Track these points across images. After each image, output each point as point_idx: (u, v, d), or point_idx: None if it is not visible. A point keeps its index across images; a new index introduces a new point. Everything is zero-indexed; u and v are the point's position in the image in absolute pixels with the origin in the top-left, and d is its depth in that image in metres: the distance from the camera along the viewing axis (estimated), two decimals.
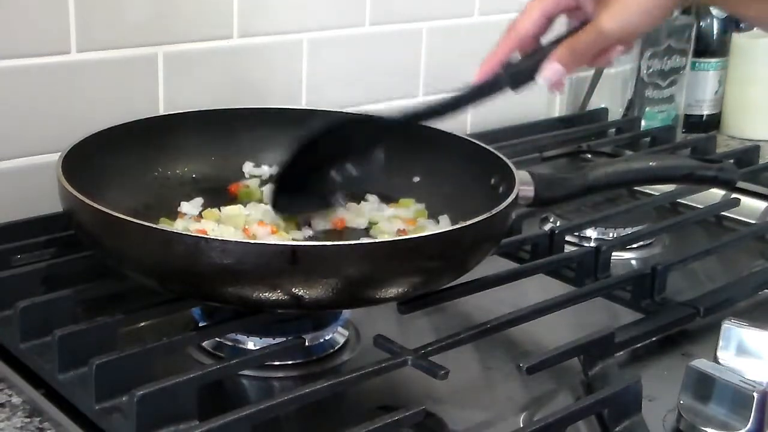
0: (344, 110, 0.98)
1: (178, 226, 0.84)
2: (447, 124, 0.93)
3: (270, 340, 0.75)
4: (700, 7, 1.45)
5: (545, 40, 0.77)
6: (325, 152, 0.82)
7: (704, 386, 0.66)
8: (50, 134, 0.96)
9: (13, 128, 0.96)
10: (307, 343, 0.75)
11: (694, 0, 0.73)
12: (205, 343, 0.77)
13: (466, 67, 1.37)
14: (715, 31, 1.46)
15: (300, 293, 0.67)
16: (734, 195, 1.10)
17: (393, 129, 0.83)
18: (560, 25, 0.78)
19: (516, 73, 0.77)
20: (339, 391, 0.68)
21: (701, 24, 1.44)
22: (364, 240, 0.84)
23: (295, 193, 0.83)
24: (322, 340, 0.77)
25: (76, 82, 0.99)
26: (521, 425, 0.69)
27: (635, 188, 1.16)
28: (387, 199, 0.92)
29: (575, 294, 0.84)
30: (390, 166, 0.93)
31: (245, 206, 0.89)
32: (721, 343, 0.72)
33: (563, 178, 0.82)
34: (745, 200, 1.11)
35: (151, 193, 0.89)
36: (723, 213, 1.12)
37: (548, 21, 0.77)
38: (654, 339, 0.82)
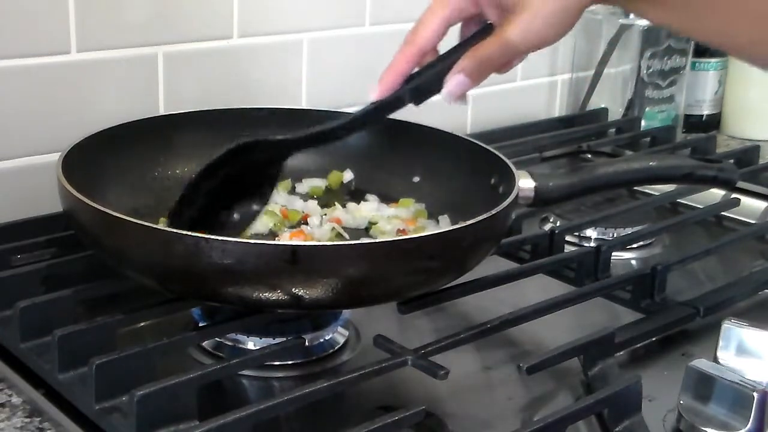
0: (344, 110, 0.98)
1: None
2: (447, 124, 0.93)
3: (270, 340, 0.75)
4: None
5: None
6: (215, 186, 0.78)
7: (704, 386, 0.66)
8: (50, 134, 0.96)
9: (13, 128, 0.96)
10: (307, 343, 0.75)
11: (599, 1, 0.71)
12: (205, 343, 0.77)
13: None
14: None
15: (300, 293, 0.66)
16: (734, 195, 1.10)
17: (290, 148, 0.80)
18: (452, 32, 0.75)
19: (418, 88, 0.74)
20: (339, 391, 0.68)
21: None
22: (364, 240, 0.84)
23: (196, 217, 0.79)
24: (322, 340, 0.77)
25: (76, 82, 0.99)
26: (521, 425, 0.68)
27: (635, 188, 1.16)
28: (387, 199, 0.92)
29: (575, 294, 0.84)
30: (390, 166, 0.94)
31: None
32: (721, 343, 0.72)
33: (563, 178, 0.82)
34: (745, 200, 1.11)
35: (151, 193, 0.89)
36: (723, 213, 1.12)
37: (447, 29, 0.74)
38: (654, 339, 0.82)
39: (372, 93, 0.75)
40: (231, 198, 0.80)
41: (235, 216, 0.80)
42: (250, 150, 0.78)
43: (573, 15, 0.70)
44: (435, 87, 0.73)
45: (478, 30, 0.73)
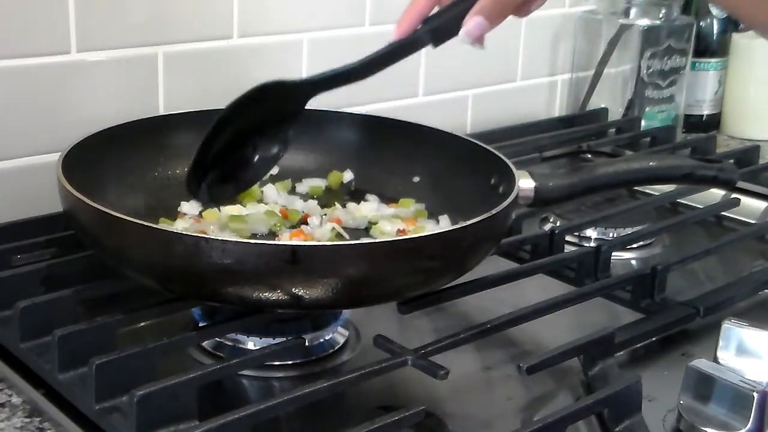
0: (344, 110, 0.98)
1: (178, 226, 0.84)
2: (447, 124, 0.93)
3: (270, 340, 0.75)
4: (700, 7, 1.45)
5: None
6: (238, 129, 0.79)
7: (704, 386, 0.66)
8: (50, 134, 0.96)
9: (13, 128, 0.96)
10: (307, 343, 0.75)
11: None
12: (205, 343, 0.77)
13: (466, 67, 1.37)
14: (715, 31, 1.46)
15: (300, 293, 0.66)
16: (734, 195, 1.10)
17: (306, 93, 0.79)
18: None
19: (437, 28, 0.73)
20: (339, 391, 0.68)
21: (701, 24, 1.45)
22: (364, 240, 0.84)
23: (216, 180, 0.80)
24: (322, 340, 0.78)
25: (76, 82, 0.99)
26: (521, 425, 0.68)
27: (635, 188, 1.16)
28: (387, 199, 0.92)
29: (575, 294, 0.84)
30: (390, 166, 0.94)
31: (245, 206, 0.89)
32: (721, 343, 0.72)
33: (563, 178, 0.82)
34: (745, 200, 1.11)
35: (151, 193, 0.89)
36: (723, 213, 1.12)
37: None
38: (654, 339, 0.82)
39: (393, 34, 0.75)
40: (254, 139, 0.80)
41: (257, 157, 0.79)
42: (270, 92, 0.78)
43: None
44: (454, 28, 0.72)
45: None
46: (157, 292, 0.74)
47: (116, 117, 0.89)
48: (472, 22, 0.71)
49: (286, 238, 0.84)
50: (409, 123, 0.94)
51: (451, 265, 0.73)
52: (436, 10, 0.75)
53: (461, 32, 0.72)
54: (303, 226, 0.87)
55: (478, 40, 0.72)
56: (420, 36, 0.73)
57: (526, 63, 1.39)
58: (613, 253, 0.93)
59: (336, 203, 0.91)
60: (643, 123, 1.39)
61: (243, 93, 0.78)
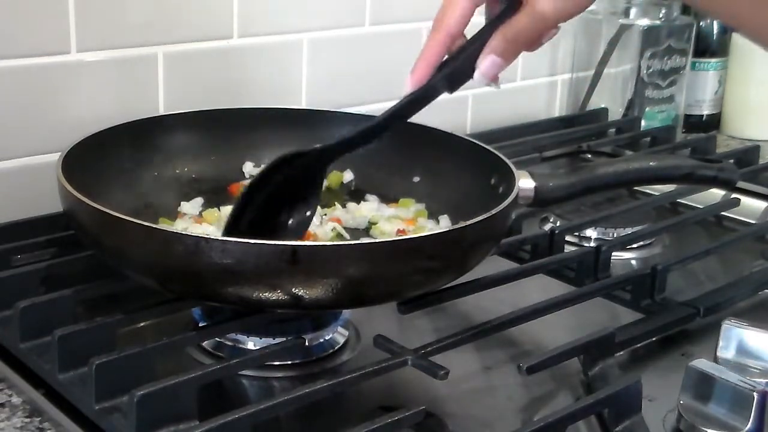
0: (344, 110, 0.98)
1: (178, 226, 0.84)
2: (447, 124, 0.93)
3: (270, 340, 0.75)
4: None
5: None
6: (267, 197, 0.78)
7: (704, 386, 0.66)
8: (50, 134, 0.96)
9: (13, 128, 0.96)
10: (307, 343, 0.75)
11: None
12: (205, 343, 0.77)
13: None
14: (715, 31, 1.46)
15: (300, 293, 0.66)
16: (734, 195, 1.10)
17: (325, 159, 0.79)
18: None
19: (451, 74, 0.72)
20: (339, 391, 0.68)
21: (701, 24, 1.45)
22: (364, 240, 0.84)
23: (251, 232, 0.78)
24: (322, 340, 0.78)
25: (76, 82, 0.99)
26: (521, 425, 0.68)
27: (635, 188, 1.16)
28: (387, 199, 0.92)
29: (575, 294, 0.84)
30: (390, 166, 0.94)
31: None
32: (721, 343, 0.72)
33: (563, 178, 0.82)
34: (745, 200, 1.11)
35: (150, 193, 0.89)
36: (723, 213, 1.12)
37: (473, 11, 0.72)
38: (654, 339, 0.82)
39: (406, 85, 0.73)
40: (286, 205, 0.79)
41: (291, 221, 0.79)
42: (290, 161, 0.78)
43: None
44: (468, 71, 0.71)
45: (505, 8, 0.71)
46: (157, 292, 0.74)
47: (116, 117, 0.89)
48: (486, 62, 0.70)
49: None
50: (410, 123, 0.94)
51: (451, 265, 0.73)
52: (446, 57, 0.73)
53: (476, 74, 0.71)
54: None
55: (494, 79, 0.71)
56: (434, 84, 0.72)
57: (526, 63, 1.39)
58: (613, 253, 0.93)
59: (336, 203, 0.91)
60: (643, 123, 1.39)
61: (265, 165, 0.78)
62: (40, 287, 0.78)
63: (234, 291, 0.67)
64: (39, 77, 0.96)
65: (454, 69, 0.72)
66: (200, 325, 0.77)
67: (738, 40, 1.46)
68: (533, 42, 0.71)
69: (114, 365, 0.66)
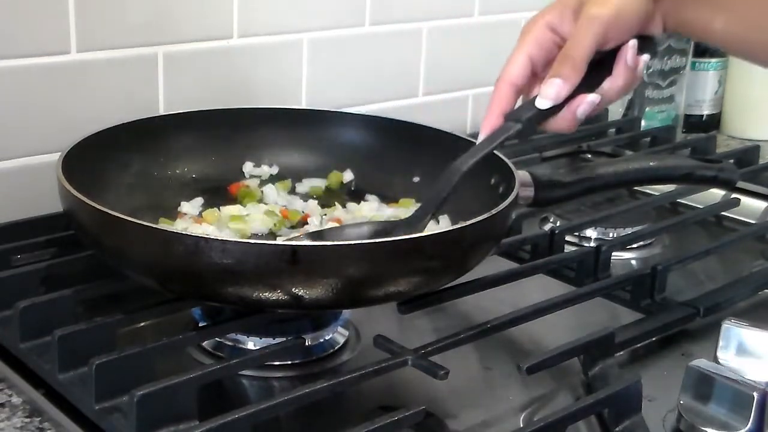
0: (344, 110, 0.98)
1: (178, 226, 0.84)
2: (447, 124, 0.93)
3: (270, 340, 0.75)
4: None
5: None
6: None
7: (704, 386, 0.66)
8: (50, 134, 0.96)
9: (13, 128, 0.96)
10: (307, 343, 0.75)
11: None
12: (205, 343, 0.77)
13: (466, 67, 1.37)
14: None
15: (300, 293, 0.66)
16: (734, 195, 1.10)
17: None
18: None
19: (528, 124, 0.75)
20: (339, 391, 0.68)
21: None
22: (364, 240, 0.84)
23: None
24: (322, 340, 0.78)
25: (76, 82, 0.99)
26: (521, 425, 0.69)
27: (635, 188, 1.16)
28: (387, 199, 0.92)
29: (575, 294, 0.84)
30: (390, 166, 0.94)
31: (245, 206, 0.89)
32: (721, 343, 0.72)
33: (563, 178, 0.82)
34: (745, 200, 1.11)
35: (151, 193, 0.89)
36: (723, 213, 1.12)
37: (531, 62, 0.76)
38: (654, 339, 0.82)
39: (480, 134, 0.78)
40: None
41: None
42: None
43: None
44: (538, 121, 0.75)
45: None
46: (157, 292, 0.74)
47: (116, 117, 0.89)
48: (548, 85, 0.73)
49: (289, 238, 0.84)
50: (409, 123, 0.94)
51: (451, 265, 0.73)
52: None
53: (538, 100, 0.74)
54: (305, 227, 0.87)
55: (558, 101, 0.74)
56: (507, 129, 0.75)
57: None
58: (613, 253, 0.93)
59: (336, 203, 0.91)
60: (643, 123, 1.39)
61: None
62: (40, 287, 0.78)
63: (234, 291, 0.67)
64: (39, 77, 0.96)
65: (520, 114, 0.75)
66: (200, 325, 0.77)
67: None
68: (587, 56, 0.73)
69: (114, 365, 0.66)
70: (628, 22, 0.74)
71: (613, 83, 0.75)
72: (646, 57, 0.76)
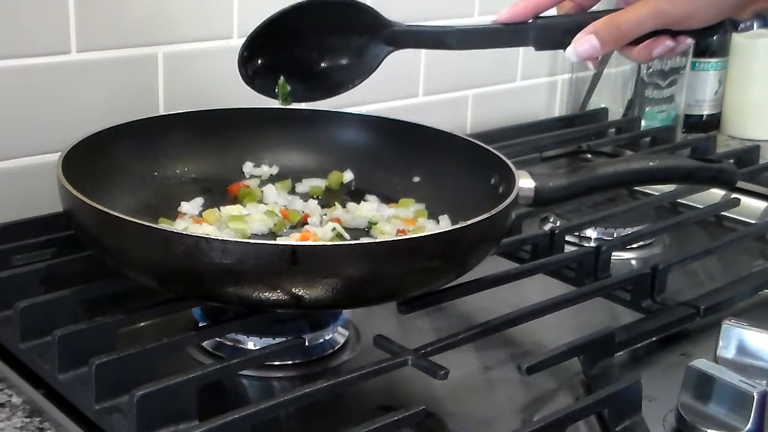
0: (344, 110, 0.98)
1: (178, 226, 0.84)
2: (447, 124, 0.93)
3: (270, 340, 0.75)
4: None
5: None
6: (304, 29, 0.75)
7: (704, 386, 0.66)
8: (50, 134, 0.96)
9: (13, 128, 0.96)
10: (307, 343, 0.75)
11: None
12: (205, 343, 0.77)
13: (466, 67, 1.37)
14: None
15: (300, 293, 0.67)
16: (734, 195, 1.10)
17: (387, 36, 0.75)
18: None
19: (545, 30, 0.69)
20: (339, 391, 0.68)
21: None
22: (364, 240, 0.84)
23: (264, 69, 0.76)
24: (322, 340, 0.78)
25: (76, 82, 0.99)
26: (521, 425, 0.69)
27: (635, 188, 1.16)
28: (387, 199, 0.92)
29: (575, 294, 0.84)
30: (390, 166, 0.94)
31: (245, 206, 0.89)
32: (721, 343, 0.72)
33: (563, 178, 0.82)
34: (745, 200, 1.11)
35: (151, 193, 0.89)
36: (723, 213, 1.12)
37: None
38: (654, 339, 0.82)
39: (499, 14, 0.71)
40: (318, 44, 0.76)
41: (323, 64, 0.76)
42: (351, 11, 0.75)
43: None
44: (562, 39, 0.69)
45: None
46: (157, 292, 0.74)
47: (116, 117, 0.89)
48: (583, 40, 0.68)
49: (289, 238, 0.84)
50: (409, 123, 0.94)
51: (451, 265, 0.73)
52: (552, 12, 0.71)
53: (569, 49, 0.69)
54: (307, 227, 0.87)
55: (586, 60, 0.70)
56: (526, 29, 0.69)
57: (526, 63, 1.39)
58: (613, 253, 0.93)
59: (336, 203, 0.91)
60: (643, 123, 1.39)
61: None
62: (40, 287, 0.78)
63: (234, 291, 0.67)
64: (39, 77, 0.96)
65: (549, 26, 0.69)
66: (200, 325, 0.77)
67: (738, 40, 1.46)
68: (640, 44, 0.68)
69: (114, 365, 0.66)
70: (703, 19, 0.68)
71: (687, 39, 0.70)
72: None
